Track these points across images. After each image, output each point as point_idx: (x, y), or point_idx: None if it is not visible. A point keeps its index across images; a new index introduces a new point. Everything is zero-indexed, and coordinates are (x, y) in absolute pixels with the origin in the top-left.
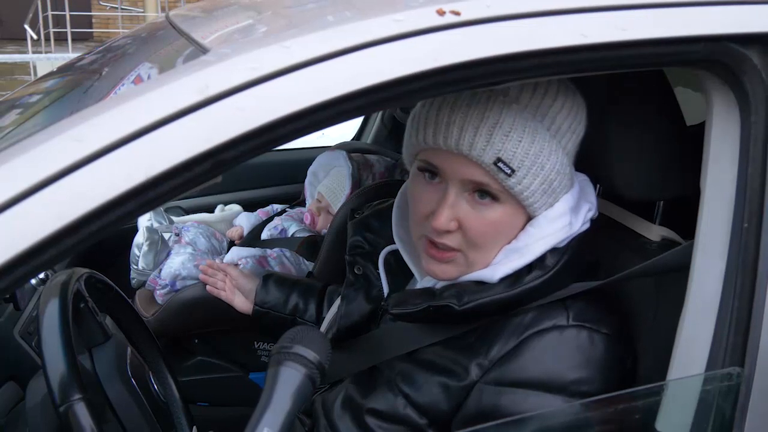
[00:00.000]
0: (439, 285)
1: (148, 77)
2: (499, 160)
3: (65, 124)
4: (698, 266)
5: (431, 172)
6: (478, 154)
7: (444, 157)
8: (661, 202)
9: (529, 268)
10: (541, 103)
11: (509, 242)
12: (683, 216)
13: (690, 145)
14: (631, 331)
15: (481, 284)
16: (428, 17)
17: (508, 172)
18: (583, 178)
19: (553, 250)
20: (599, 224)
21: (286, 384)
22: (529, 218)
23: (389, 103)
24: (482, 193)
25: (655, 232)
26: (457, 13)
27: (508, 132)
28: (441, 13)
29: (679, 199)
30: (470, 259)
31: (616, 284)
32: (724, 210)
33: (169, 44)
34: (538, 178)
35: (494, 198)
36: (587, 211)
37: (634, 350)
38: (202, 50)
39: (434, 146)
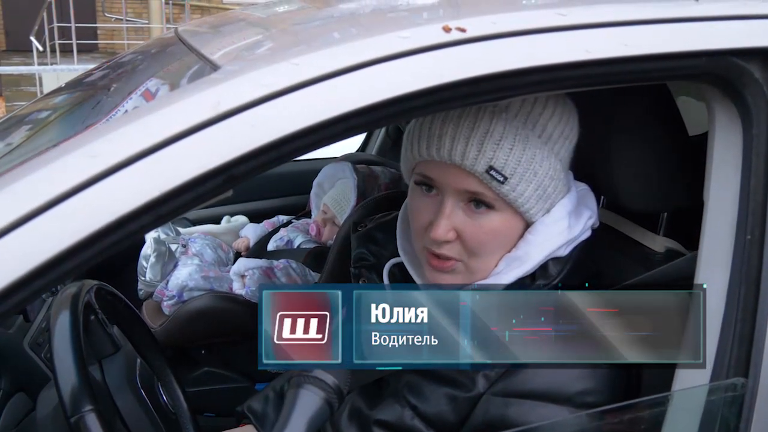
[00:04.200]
0: None
1: (157, 92)
2: (491, 168)
3: (80, 140)
4: (702, 277)
5: (428, 185)
6: (470, 164)
7: (438, 168)
8: (665, 213)
9: (533, 278)
10: (531, 112)
11: (509, 251)
12: (688, 227)
13: (693, 156)
14: None
15: None
16: (434, 34)
17: (501, 179)
18: (584, 187)
19: (556, 260)
20: (603, 235)
21: (304, 407)
22: (527, 225)
23: (397, 118)
24: (478, 202)
25: (659, 243)
26: (462, 30)
27: (498, 140)
28: (447, 29)
29: (684, 209)
30: (471, 267)
31: None
32: (727, 222)
33: (180, 60)
34: (532, 184)
35: (489, 206)
36: (587, 218)
37: None
38: (213, 67)
39: (428, 158)
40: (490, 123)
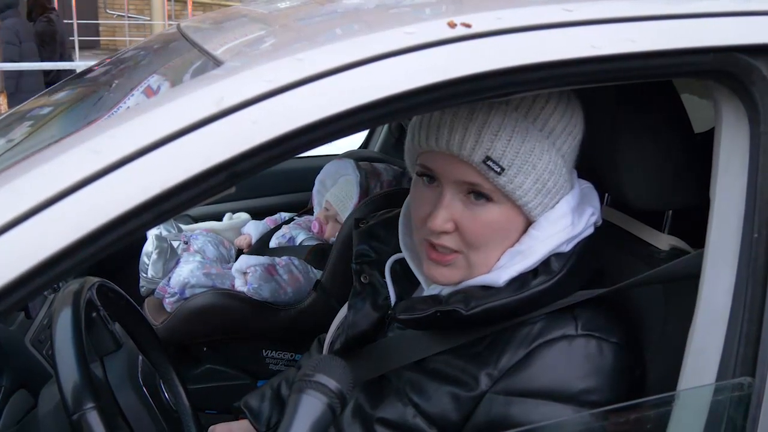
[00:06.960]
0: (445, 292)
1: (159, 88)
2: (488, 158)
3: (83, 135)
4: (708, 276)
5: (429, 176)
6: (468, 154)
7: (438, 159)
8: (670, 211)
9: (535, 273)
10: (532, 106)
11: (512, 245)
12: (692, 225)
13: (699, 154)
14: (640, 341)
15: (487, 289)
16: (439, 30)
17: (498, 170)
18: (587, 185)
19: (559, 255)
20: (607, 233)
21: (307, 412)
22: (528, 221)
23: (402, 115)
24: (477, 194)
25: (663, 242)
26: (468, 26)
27: (496, 131)
28: (452, 25)
29: (689, 208)
30: (471, 260)
31: (624, 293)
32: (733, 220)
33: (182, 56)
34: (530, 177)
35: (488, 198)
36: (590, 215)
37: (643, 359)
38: (216, 63)
39: (427, 149)
40: (488, 114)
